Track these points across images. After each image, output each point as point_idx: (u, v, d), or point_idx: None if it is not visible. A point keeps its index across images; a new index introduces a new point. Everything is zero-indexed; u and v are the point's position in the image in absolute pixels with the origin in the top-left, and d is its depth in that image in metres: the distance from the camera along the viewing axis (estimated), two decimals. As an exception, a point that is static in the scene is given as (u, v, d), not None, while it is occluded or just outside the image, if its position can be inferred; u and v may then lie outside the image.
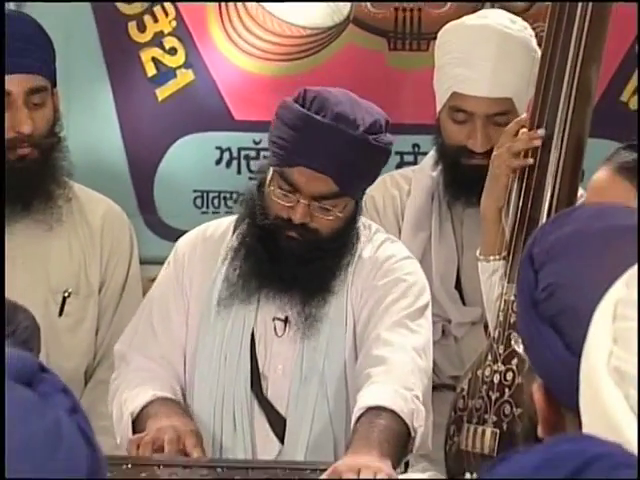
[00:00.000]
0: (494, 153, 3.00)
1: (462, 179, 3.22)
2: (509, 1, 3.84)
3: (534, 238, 1.53)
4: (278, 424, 2.84)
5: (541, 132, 2.93)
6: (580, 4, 2.91)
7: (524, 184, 2.95)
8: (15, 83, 3.10)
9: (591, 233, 1.50)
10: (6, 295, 3.17)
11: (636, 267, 1.28)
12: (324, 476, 2.45)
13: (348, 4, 3.83)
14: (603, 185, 2.42)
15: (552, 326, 1.45)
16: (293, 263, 2.83)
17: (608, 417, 1.18)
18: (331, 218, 2.83)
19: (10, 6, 3.72)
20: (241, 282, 2.86)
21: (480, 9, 3.57)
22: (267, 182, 2.85)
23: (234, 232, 2.90)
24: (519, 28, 3.25)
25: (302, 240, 2.82)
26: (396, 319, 2.81)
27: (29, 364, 1.33)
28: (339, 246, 2.88)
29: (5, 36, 3.31)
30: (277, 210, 2.83)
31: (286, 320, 2.87)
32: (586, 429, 1.22)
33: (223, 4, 3.78)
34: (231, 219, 2.95)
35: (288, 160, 2.82)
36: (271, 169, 2.85)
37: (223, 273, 2.88)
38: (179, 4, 3.78)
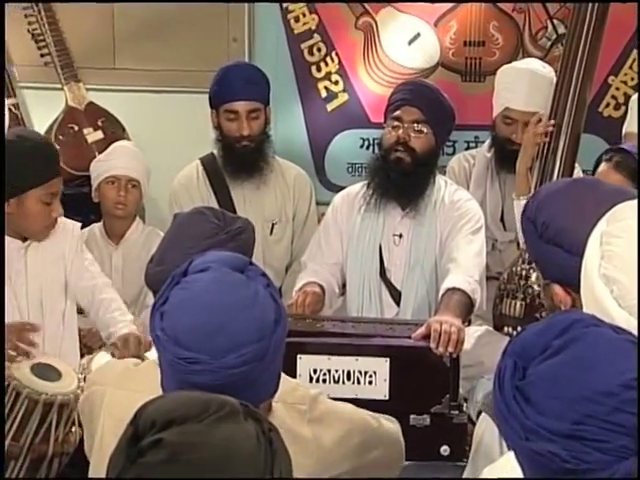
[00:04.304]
0: (525, 134, 2.96)
1: (506, 158, 3.13)
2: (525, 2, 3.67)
3: (525, 207, 1.55)
4: (396, 296, 2.79)
5: (552, 122, 2.85)
6: (579, 53, 2.80)
7: (544, 160, 2.88)
8: (242, 105, 3.07)
9: (556, 190, 1.53)
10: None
11: (614, 209, 1.25)
12: (423, 328, 2.38)
13: (438, 55, 3.72)
14: (605, 176, 2.33)
15: (554, 244, 1.44)
16: (401, 175, 2.75)
17: (599, 304, 1.18)
18: (422, 137, 2.73)
19: (246, 59, 3.67)
20: (372, 201, 2.78)
21: (521, 58, 3.47)
22: (385, 130, 2.79)
23: (368, 186, 2.82)
24: (547, 70, 3.15)
25: (405, 159, 2.73)
26: (464, 235, 2.75)
27: (240, 260, 1.38)
28: (428, 165, 2.77)
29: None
30: (389, 139, 2.76)
31: (400, 235, 2.80)
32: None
33: (366, 55, 3.71)
34: (362, 182, 2.88)
35: (397, 107, 2.76)
36: (387, 123, 2.79)
37: (360, 211, 2.81)
38: (341, 55, 3.72)
